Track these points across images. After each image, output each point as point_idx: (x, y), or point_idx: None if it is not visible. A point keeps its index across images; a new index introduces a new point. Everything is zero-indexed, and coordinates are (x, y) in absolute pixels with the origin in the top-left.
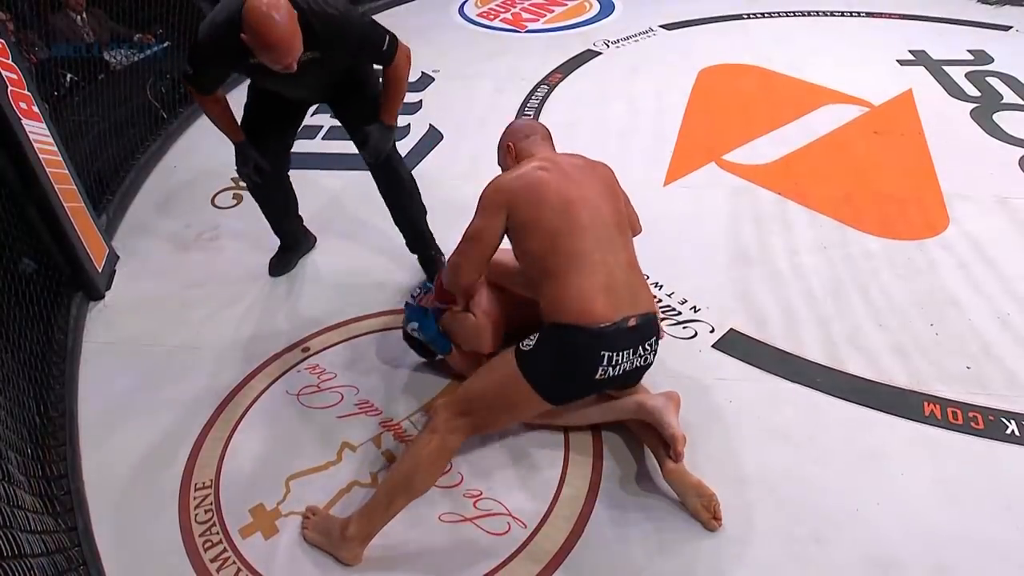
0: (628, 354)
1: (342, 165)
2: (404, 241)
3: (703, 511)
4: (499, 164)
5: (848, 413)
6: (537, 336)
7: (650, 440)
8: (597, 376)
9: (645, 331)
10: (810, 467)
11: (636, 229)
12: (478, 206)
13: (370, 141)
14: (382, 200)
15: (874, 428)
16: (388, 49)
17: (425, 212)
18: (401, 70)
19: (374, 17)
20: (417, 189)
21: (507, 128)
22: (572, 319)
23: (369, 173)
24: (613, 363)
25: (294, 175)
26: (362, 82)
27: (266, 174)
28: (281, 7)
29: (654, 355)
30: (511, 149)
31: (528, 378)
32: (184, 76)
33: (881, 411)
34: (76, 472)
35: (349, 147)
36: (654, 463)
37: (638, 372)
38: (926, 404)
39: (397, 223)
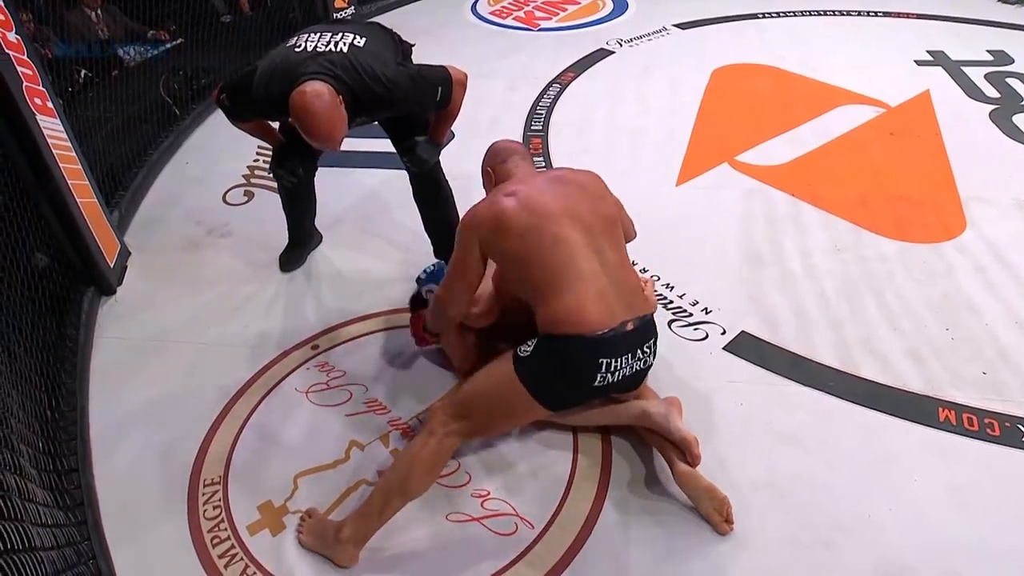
0: (627, 359)
1: (354, 163)
2: (431, 248)
3: (715, 514)
4: (484, 187)
5: (861, 418)
6: (535, 342)
7: (659, 443)
8: (596, 383)
9: (644, 333)
10: (822, 472)
11: (629, 235)
12: (456, 240)
13: (416, 150)
14: (391, 198)
15: (887, 433)
16: (441, 100)
17: (458, 220)
18: (456, 103)
19: (387, 17)
20: (453, 197)
21: (486, 152)
22: (569, 330)
23: (379, 172)
24: (612, 369)
25: None
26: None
27: (301, 177)
28: (324, 96)
29: (654, 356)
30: (490, 174)
31: (526, 385)
32: (220, 104)
33: (895, 416)
34: (87, 467)
35: (358, 144)
36: (664, 466)
37: (639, 375)
38: (941, 409)
39: (429, 229)
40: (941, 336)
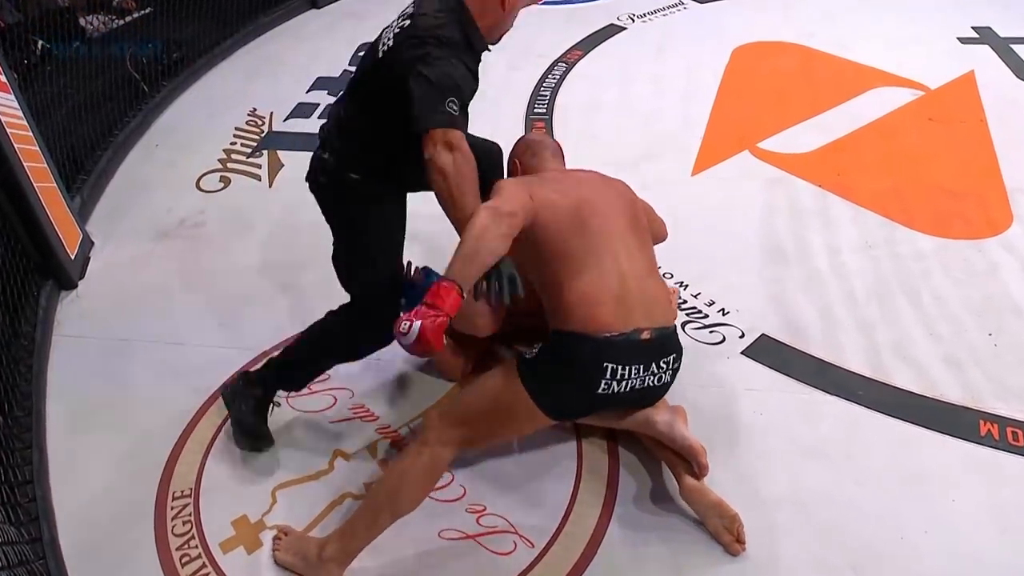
0: (638, 369)
1: None
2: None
3: (725, 533)
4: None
5: (893, 430)
6: (541, 344)
7: (666, 455)
8: (599, 390)
9: (662, 346)
10: (849, 489)
11: (660, 235)
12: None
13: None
14: None
15: (922, 448)
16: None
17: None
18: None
19: None
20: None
21: (516, 143)
22: (577, 326)
23: None
24: (618, 377)
25: (289, 155)
26: None
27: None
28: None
29: (673, 375)
30: (517, 168)
31: (527, 387)
32: (442, 122)
33: (931, 429)
34: (43, 478)
35: None
36: (672, 482)
37: (652, 392)
38: (982, 423)
39: None
40: (983, 342)
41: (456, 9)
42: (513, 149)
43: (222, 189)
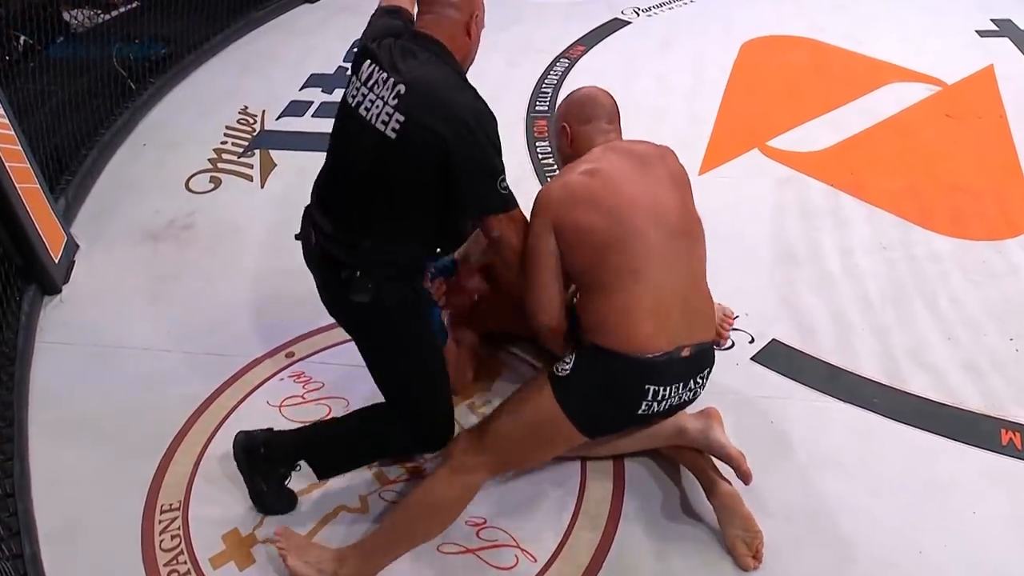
0: (678, 388)
1: None
2: None
3: (742, 545)
4: (556, 147)
5: (910, 439)
6: (574, 358)
7: (694, 462)
8: (640, 411)
9: (700, 361)
10: (865, 500)
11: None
12: (534, 218)
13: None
14: None
15: (941, 457)
16: None
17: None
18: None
19: None
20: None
21: (566, 101)
22: (616, 344)
23: None
24: (660, 398)
25: (281, 155)
26: None
27: None
28: None
29: (703, 388)
30: (566, 132)
31: (564, 407)
32: (505, 204)
33: (949, 438)
34: (24, 491)
35: None
36: (685, 491)
37: (682, 406)
38: (1003, 431)
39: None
40: (1003, 346)
41: (442, 54)
42: (564, 109)
43: (212, 190)
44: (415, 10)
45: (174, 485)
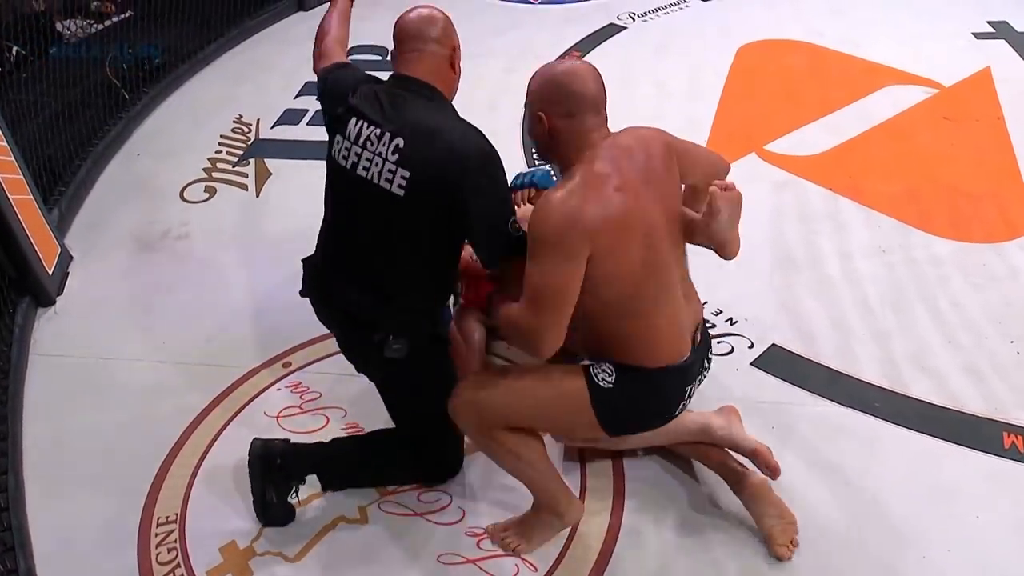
0: (702, 376)
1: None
2: None
3: (780, 535)
4: (528, 132)
5: (913, 444)
6: (615, 374)
7: (714, 456)
8: (677, 412)
9: (706, 340)
10: (867, 506)
11: (721, 171)
12: (542, 242)
13: None
14: None
15: (944, 462)
16: None
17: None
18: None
19: None
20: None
21: (542, 82)
22: (655, 362)
23: None
24: (690, 394)
25: (276, 164)
26: None
27: None
28: None
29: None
30: (543, 122)
31: (600, 415)
32: (516, 247)
33: (952, 442)
34: (19, 505)
35: None
36: (684, 497)
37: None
38: (1006, 435)
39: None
40: (1004, 350)
41: (434, 97)
42: (539, 92)
43: (207, 199)
44: (343, 54)
45: (170, 497)
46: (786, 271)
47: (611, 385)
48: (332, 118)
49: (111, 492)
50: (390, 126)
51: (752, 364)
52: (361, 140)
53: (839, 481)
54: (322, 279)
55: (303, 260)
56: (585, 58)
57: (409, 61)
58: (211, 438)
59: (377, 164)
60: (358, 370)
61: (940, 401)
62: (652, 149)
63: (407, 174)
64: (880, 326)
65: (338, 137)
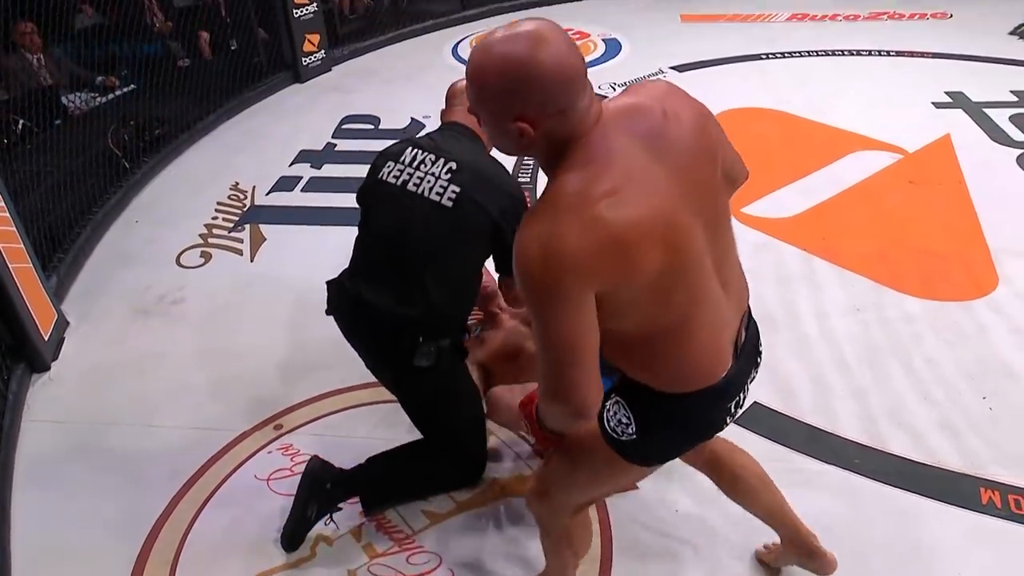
0: (752, 377)
1: (324, 220)
2: None
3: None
4: (501, 150)
5: (892, 500)
6: (632, 418)
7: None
8: (725, 425)
9: (753, 333)
10: (851, 564)
11: (741, 176)
12: (533, 293)
13: None
14: None
15: (924, 518)
16: None
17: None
18: None
19: (364, 60)
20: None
21: (504, 79)
22: (687, 386)
23: (349, 229)
24: (740, 403)
25: (271, 229)
26: None
27: None
28: None
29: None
30: (526, 133)
31: (637, 461)
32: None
33: (931, 498)
34: (5, 573)
35: (330, 200)
36: (668, 527)
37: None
38: (983, 490)
39: None
40: (978, 406)
41: (476, 141)
42: (504, 94)
43: (203, 265)
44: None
45: (160, 563)
46: (766, 331)
47: (634, 436)
48: (390, 149)
49: (99, 560)
50: (445, 155)
51: (734, 422)
52: (415, 163)
53: (824, 539)
54: (351, 293)
55: (328, 282)
56: None
57: (457, 113)
58: (202, 501)
59: (429, 181)
60: (383, 382)
61: (918, 457)
62: (667, 104)
63: (457, 190)
64: (858, 383)
65: (389, 163)
